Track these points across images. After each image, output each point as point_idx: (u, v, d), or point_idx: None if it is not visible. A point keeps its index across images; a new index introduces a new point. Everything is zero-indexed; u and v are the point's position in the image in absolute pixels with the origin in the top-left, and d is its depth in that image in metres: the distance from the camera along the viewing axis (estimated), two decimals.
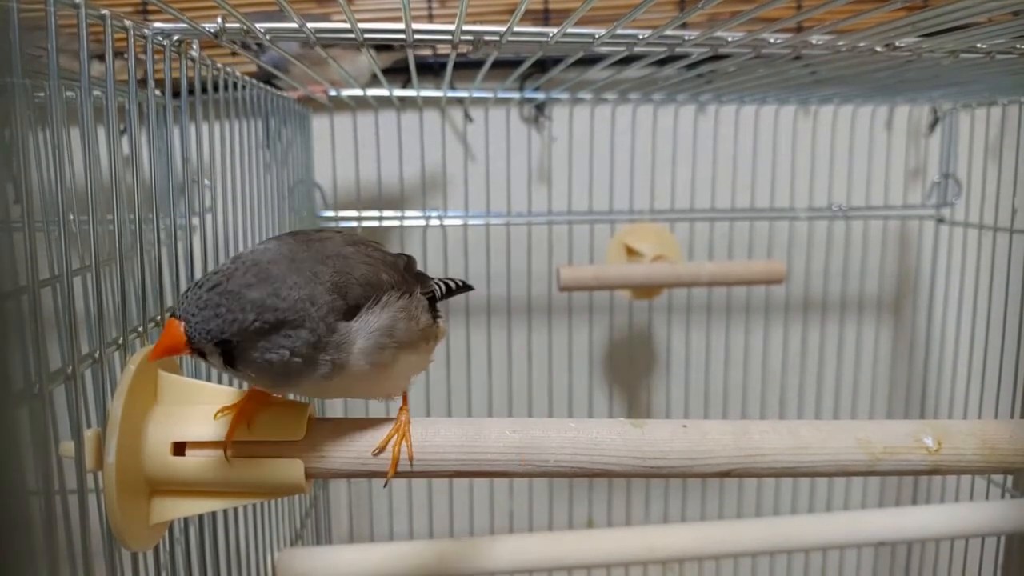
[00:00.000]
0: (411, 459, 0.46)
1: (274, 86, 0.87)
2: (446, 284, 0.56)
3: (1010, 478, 0.98)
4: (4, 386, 0.22)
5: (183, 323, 0.39)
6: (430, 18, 1.05)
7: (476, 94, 1.01)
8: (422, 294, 0.50)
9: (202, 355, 0.41)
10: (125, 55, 0.50)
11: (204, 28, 0.55)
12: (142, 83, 0.51)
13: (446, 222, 1.07)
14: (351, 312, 0.43)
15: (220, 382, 0.54)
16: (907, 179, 1.16)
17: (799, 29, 0.85)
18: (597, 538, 0.86)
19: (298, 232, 0.46)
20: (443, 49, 1.03)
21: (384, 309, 0.44)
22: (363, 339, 0.43)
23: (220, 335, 0.39)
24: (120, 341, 0.47)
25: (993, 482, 1.01)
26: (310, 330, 0.41)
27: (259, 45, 0.75)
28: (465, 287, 0.58)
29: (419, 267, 0.54)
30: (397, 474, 0.46)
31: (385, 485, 0.48)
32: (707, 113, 1.10)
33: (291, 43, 0.69)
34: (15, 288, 0.35)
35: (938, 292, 1.16)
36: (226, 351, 0.40)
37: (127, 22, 0.48)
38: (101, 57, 0.46)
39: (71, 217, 0.43)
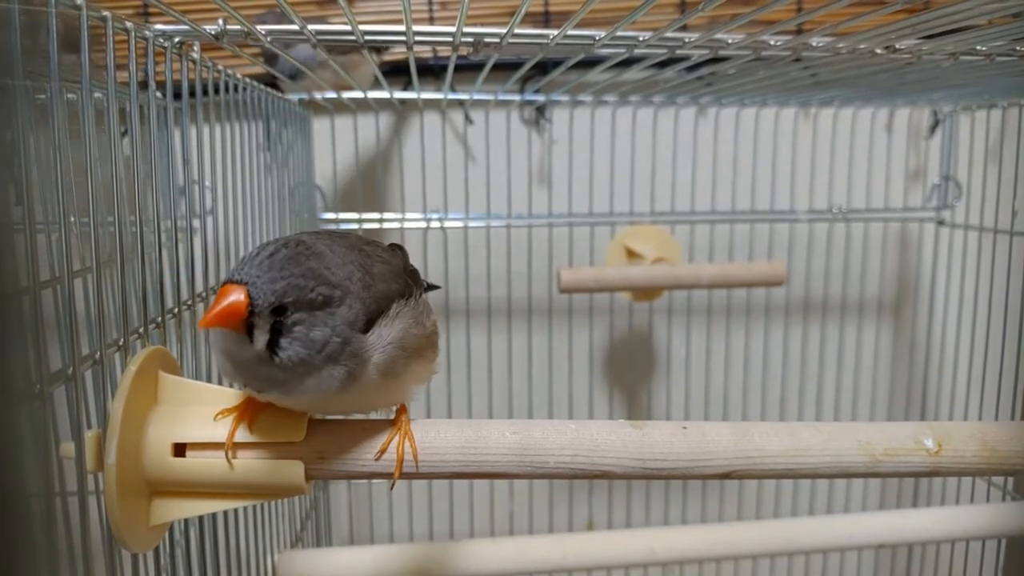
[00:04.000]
0: (416, 459, 0.46)
1: (276, 88, 0.87)
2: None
3: (1011, 481, 0.98)
4: (5, 387, 0.22)
5: (246, 287, 0.39)
6: (431, 20, 1.06)
7: (476, 96, 1.01)
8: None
9: (249, 331, 0.40)
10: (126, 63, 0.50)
11: (205, 30, 0.55)
12: (143, 85, 0.51)
13: (447, 224, 1.07)
14: (367, 326, 0.43)
15: (222, 383, 0.54)
16: (907, 181, 1.16)
17: (799, 31, 0.85)
18: (597, 540, 0.86)
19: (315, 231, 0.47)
20: (444, 51, 1.03)
21: (396, 320, 0.44)
22: (378, 353, 0.43)
23: (283, 298, 0.39)
24: (121, 342, 0.47)
25: (994, 484, 1.01)
26: (349, 307, 0.41)
27: (272, 55, 0.75)
28: (431, 286, 0.58)
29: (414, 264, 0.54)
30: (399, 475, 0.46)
31: (392, 487, 0.48)
32: (707, 115, 1.11)
33: (311, 50, 0.69)
34: (16, 289, 0.35)
35: (938, 294, 1.17)
36: (275, 326, 0.40)
37: (128, 24, 0.48)
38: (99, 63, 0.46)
39: (72, 219, 0.43)
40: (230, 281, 0.39)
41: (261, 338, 0.40)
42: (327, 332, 0.41)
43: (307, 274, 0.40)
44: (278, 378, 0.41)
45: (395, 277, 0.46)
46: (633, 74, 0.87)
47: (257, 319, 0.40)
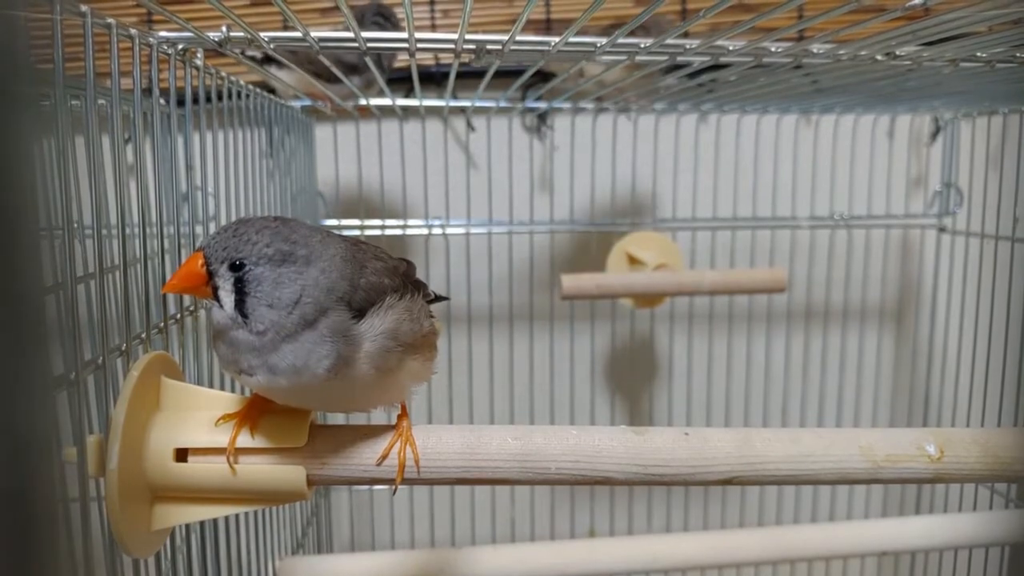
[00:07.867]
0: (417, 464, 0.46)
1: (275, 94, 0.87)
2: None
3: (1013, 488, 0.98)
4: (12, 391, 0.22)
5: (203, 252, 0.41)
6: (433, 27, 1.06)
7: (478, 103, 1.02)
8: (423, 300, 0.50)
9: (216, 294, 0.41)
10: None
11: (209, 37, 0.55)
12: (147, 91, 0.51)
13: (448, 230, 1.07)
14: (358, 315, 0.43)
15: (223, 388, 0.54)
16: (908, 188, 1.16)
17: (800, 38, 0.85)
18: (599, 547, 0.85)
19: None
20: (446, 58, 1.04)
21: (388, 312, 0.44)
22: (369, 342, 0.43)
23: (235, 253, 0.41)
24: (123, 348, 0.47)
25: (996, 492, 1.01)
26: (322, 271, 0.42)
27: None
28: (440, 297, 0.59)
29: (419, 275, 0.54)
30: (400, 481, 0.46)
31: (394, 492, 0.48)
32: (709, 122, 1.11)
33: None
34: (21, 294, 0.35)
35: (940, 301, 1.16)
36: (239, 286, 0.41)
37: (132, 31, 0.49)
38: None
39: (75, 224, 0.44)
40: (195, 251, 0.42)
41: (227, 299, 0.41)
42: (296, 290, 0.41)
43: (262, 231, 0.42)
44: (256, 345, 0.41)
45: (389, 273, 0.47)
46: (635, 81, 0.87)
47: (219, 280, 0.41)
